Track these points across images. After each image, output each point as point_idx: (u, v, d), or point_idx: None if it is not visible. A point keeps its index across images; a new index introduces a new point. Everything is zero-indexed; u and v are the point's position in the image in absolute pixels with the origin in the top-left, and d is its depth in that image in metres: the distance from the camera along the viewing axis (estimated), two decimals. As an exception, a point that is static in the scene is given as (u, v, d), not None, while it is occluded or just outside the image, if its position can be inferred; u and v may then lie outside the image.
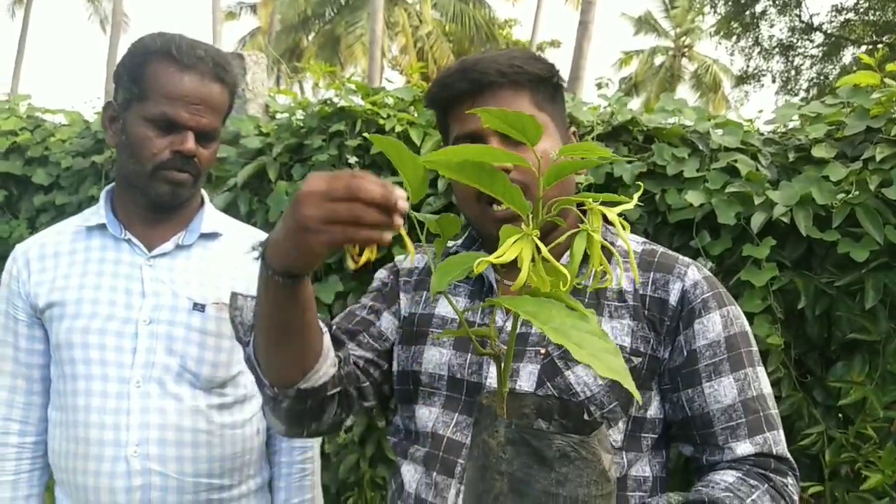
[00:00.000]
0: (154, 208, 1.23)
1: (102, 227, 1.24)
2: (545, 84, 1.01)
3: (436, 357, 1.00)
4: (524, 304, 0.62)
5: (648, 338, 0.96)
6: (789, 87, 12.66)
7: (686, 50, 25.45)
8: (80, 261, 1.23)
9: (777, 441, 0.93)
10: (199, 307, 1.20)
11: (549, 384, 0.94)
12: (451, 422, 0.99)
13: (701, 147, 1.83)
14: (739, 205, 1.70)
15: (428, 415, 1.00)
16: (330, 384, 0.94)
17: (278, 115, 2.43)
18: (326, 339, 0.93)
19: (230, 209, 2.15)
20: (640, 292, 0.98)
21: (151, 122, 1.16)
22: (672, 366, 0.96)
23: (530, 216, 0.65)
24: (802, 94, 12.63)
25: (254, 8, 26.54)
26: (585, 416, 0.75)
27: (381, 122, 2.09)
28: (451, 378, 1.00)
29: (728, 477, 0.89)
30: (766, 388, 0.96)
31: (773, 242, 1.64)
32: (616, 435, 0.94)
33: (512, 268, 0.99)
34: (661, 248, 1.02)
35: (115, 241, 1.24)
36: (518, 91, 0.99)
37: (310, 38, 22.70)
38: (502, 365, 0.71)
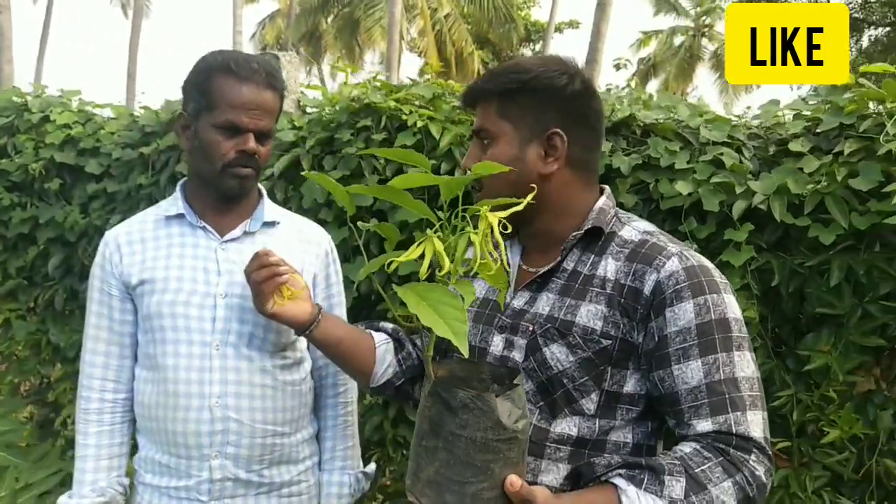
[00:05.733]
0: (224, 200, 1.45)
1: (180, 216, 1.46)
2: (514, 94, 1.13)
3: None
4: (416, 289, 0.88)
5: (620, 323, 1.07)
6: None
7: (706, 30, 25.25)
8: (164, 245, 1.45)
9: (740, 422, 1.00)
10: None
11: (531, 357, 1.11)
12: None
13: (691, 141, 2.04)
14: (723, 194, 1.90)
15: None
16: (395, 379, 1.31)
17: (308, 110, 2.66)
18: (380, 351, 1.30)
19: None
20: (621, 282, 1.08)
21: (219, 128, 1.37)
22: (646, 349, 1.07)
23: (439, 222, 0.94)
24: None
25: (273, -10, 26.64)
26: (516, 381, 0.98)
27: (404, 117, 2.31)
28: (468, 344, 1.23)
29: (686, 448, 1.01)
30: (742, 372, 1.03)
31: (751, 227, 1.85)
32: (589, 404, 1.08)
33: (532, 253, 1.23)
34: (654, 239, 1.11)
35: (191, 229, 1.46)
36: (488, 102, 1.16)
37: (329, 21, 22.80)
38: (429, 337, 0.95)
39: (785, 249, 1.91)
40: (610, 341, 1.07)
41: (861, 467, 1.79)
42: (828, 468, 1.82)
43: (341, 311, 1.59)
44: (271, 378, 1.45)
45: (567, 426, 1.09)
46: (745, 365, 1.04)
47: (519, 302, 1.17)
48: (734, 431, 1.00)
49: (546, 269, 1.16)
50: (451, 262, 0.91)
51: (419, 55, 22.41)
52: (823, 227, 1.80)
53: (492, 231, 0.92)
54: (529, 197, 1.01)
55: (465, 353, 0.84)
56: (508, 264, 1.23)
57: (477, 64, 20.59)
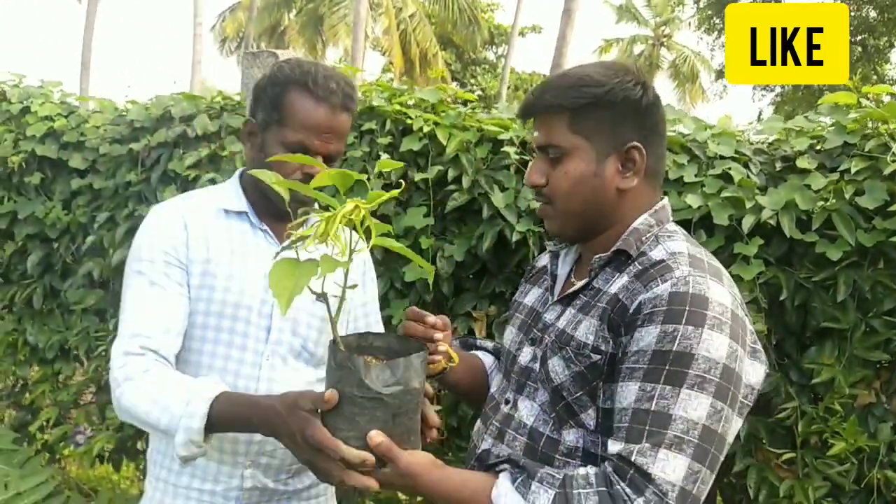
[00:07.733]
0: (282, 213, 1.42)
1: (241, 213, 1.41)
2: (589, 109, 1.09)
3: (507, 335, 1.24)
4: (296, 263, 1.00)
5: (608, 339, 1.04)
6: (767, 84, 13.01)
7: (665, 39, 25.76)
8: (226, 240, 1.39)
9: (645, 454, 0.92)
10: (321, 298, 1.40)
11: (542, 368, 1.12)
12: (499, 383, 1.24)
13: (699, 154, 2.07)
14: (732, 208, 1.93)
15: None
16: None
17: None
18: (493, 375, 1.34)
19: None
20: (618, 296, 1.04)
21: (287, 147, 1.32)
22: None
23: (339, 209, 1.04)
24: (779, 89, 12.96)
25: (235, -18, 26.17)
26: (413, 356, 1.06)
27: (409, 121, 2.29)
28: (508, 350, 1.24)
29: (582, 469, 0.98)
30: (684, 413, 0.94)
31: (760, 242, 1.88)
32: (588, 420, 1.06)
33: (584, 265, 1.21)
34: (671, 261, 1.03)
35: (252, 229, 1.41)
36: (557, 115, 1.11)
37: (292, 16, 22.54)
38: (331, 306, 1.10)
39: (789, 264, 1.95)
40: (600, 356, 1.04)
41: (862, 478, 1.84)
42: (828, 479, 1.87)
43: (377, 319, 1.58)
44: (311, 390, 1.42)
45: (574, 438, 1.07)
46: (694, 408, 0.94)
47: (550, 315, 1.17)
48: (633, 461, 0.92)
49: (576, 287, 1.14)
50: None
51: (382, 54, 22.32)
52: (830, 242, 1.84)
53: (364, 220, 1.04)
54: (397, 192, 1.08)
55: (283, 311, 0.92)
56: (553, 275, 1.24)
57: (441, 65, 20.60)
